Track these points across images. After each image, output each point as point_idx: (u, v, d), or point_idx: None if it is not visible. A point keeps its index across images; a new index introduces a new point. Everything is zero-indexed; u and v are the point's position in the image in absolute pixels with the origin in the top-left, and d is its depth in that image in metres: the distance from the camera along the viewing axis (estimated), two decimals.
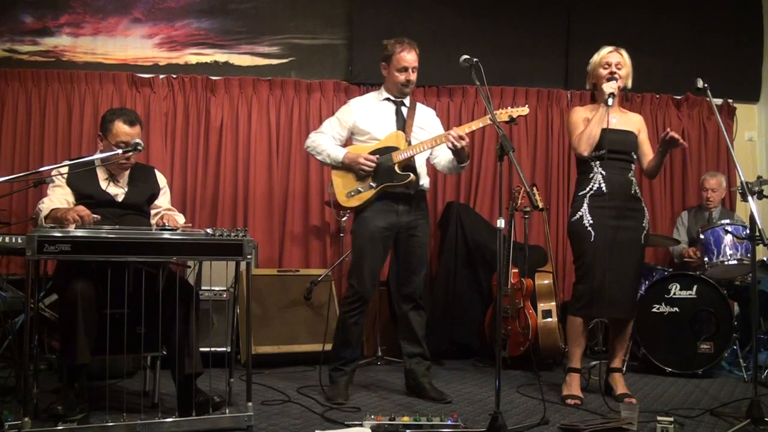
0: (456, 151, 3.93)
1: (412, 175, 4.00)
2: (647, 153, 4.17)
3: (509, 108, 3.92)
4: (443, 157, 4.18)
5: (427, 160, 4.29)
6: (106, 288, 3.12)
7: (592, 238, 3.95)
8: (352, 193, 4.05)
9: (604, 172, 4.00)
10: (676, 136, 3.88)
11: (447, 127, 5.80)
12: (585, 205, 4.01)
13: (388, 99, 4.19)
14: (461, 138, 3.85)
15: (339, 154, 4.09)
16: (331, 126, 4.23)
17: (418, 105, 4.30)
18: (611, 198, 3.96)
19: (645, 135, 4.19)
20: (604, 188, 3.98)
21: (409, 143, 4.06)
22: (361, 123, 4.14)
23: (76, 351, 3.20)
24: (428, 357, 4.26)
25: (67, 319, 3.26)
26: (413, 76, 4.11)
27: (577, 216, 4.03)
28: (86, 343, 3.21)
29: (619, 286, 3.94)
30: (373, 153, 4.04)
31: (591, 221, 3.97)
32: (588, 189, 4.03)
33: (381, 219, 4.03)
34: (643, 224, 4.07)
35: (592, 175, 4.03)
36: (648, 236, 4.12)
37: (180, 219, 3.80)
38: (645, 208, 4.12)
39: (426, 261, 4.24)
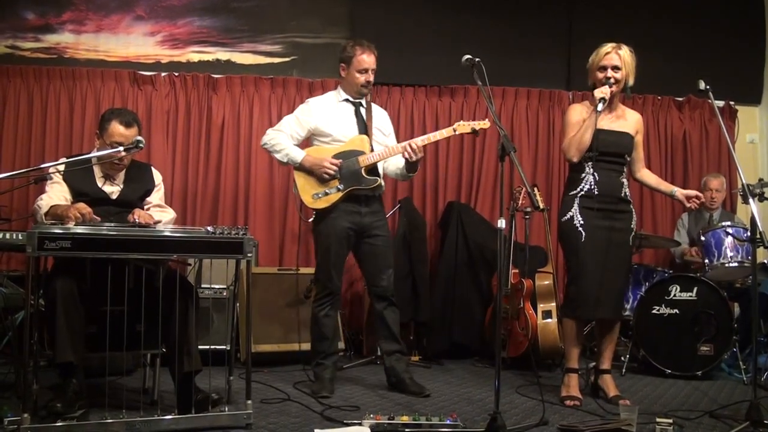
0: (409, 162, 4.08)
1: (379, 179, 4.13)
2: (639, 158, 4.19)
3: (471, 122, 4.05)
4: (392, 163, 4.30)
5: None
6: (105, 285, 3.12)
7: (583, 239, 3.94)
8: (320, 195, 4.12)
9: (595, 174, 3.96)
10: (697, 205, 4.08)
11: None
12: (575, 206, 3.99)
13: (347, 100, 4.27)
14: (416, 151, 4.01)
15: (298, 156, 4.16)
16: (289, 125, 4.26)
17: (374, 106, 4.40)
18: (601, 200, 3.94)
19: (641, 136, 4.17)
20: (594, 191, 3.95)
21: (371, 147, 4.17)
22: (323, 125, 4.21)
23: (56, 350, 3.20)
24: (406, 352, 4.42)
25: (48, 318, 3.26)
26: (372, 78, 4.22)
27: (568, 216, 4.01)
28: (68, 342, 3.19)
29: (608, 287, 3.94)
30: (337, 155, 4.12)
31: (581, 222, 3.96)
32: (578, 190, 4.00)
33: (346, 219, 4.13)
34: (631, 225, 4.06)
35: (583, 175, 3.99)
36: (635, 237, 4.12)
37: (159, 216, 3.70)
38: (633, 210, 4.11)
39: (392, 259, 4.32)
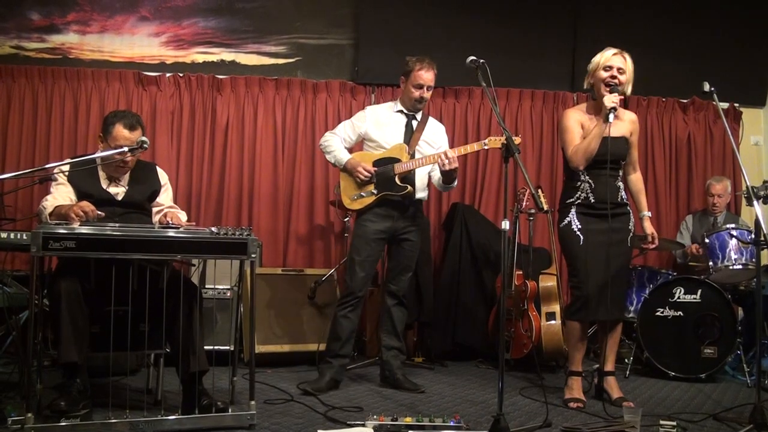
0: (444, 172, 4.17)
1: (409, 187, 4.25)
2: (632, 160, 4.18)
3: (501, 137, 4.02)
4: (436, 172, 4.40)
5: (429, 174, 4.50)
6: (109, 285, 3.12)
7: (581, 242, 3.97)
8: (355, 197, 4.32)
9: (591, 182, 3.98)
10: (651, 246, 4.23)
11: (451, 132, 5.85)
12: (572, 211, 4.02)
13: (401, 111, 4.43)
14: (451, 161, 4.08)
15: (343, 158, 4.37)
16: (344, 128, 4.49)
17: (430, 120, 4.52)
18: (597, 207, 3.96)
19: (636, 137, 4.15)
20: (591, 198, 3.97)
21: (412, 156, 4.30)
22: (372, 132, 4.40)
23: (60, 350, 3.21)
24: (404, 352, 4.54)
25: (53, 318, 3.27)
26: (427, 94, 4.37)
27: (566, 221, 4.04)
28: (72, 342, 3.20)
29: (609, 288, 3.94)
30: (377, 161, 4.30)
31: (579, 226, 3.98)
32: (575, 198, 4.02)
33: (379, 223, 4.29)
34: (629, 227, 4.07)
35: (579, 183, 4.01)
36: (638, 239, 4.12)
37: (183, 217, 3.80)
38: (630, 212, 4.11)
39: (413, 265, 4.50)
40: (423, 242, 5.44)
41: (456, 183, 4.41)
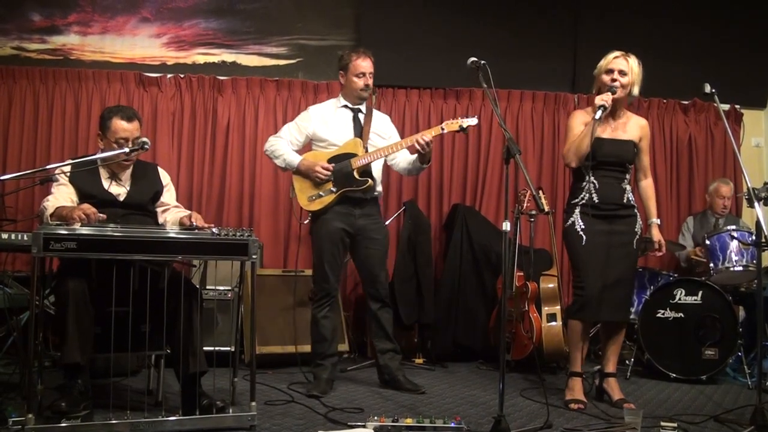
0: (422, 155, 4.17)
1: (370, 180, 4.22)
2: (642, 166, 4.18)
3: (459, 118, 4.11)
4: (401, 159, 4.41)
5: (385, 166, 4.49)
6: (110, 286, 3.12)
7: (584, 242, 3.96)
8: (314, 198, 4.26)
9: (596, 182, 3.98)
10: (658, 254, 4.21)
11: (451, 133, 5.84)
12: (576, 212, 4.02)
13: (345, 106, 4.40)
14: (429, 145, 4.10)
15: (294, 160, 4.31)
16: (289, 131, 4.43)
17: (375, 112, 4.50)
18: (602, 208, 3.97)
19: (646, 143, 4.14)
20: (595, 198, 3.97)
21: (366, 149, 4.26)
22: (320, 131, 4.36)
23: (64, 350, 3.21)
24: (399, 351, 4.48)
25: (58, 319, 3.27)
26: (370, 81, 4.34)
27: (570, 222, 4.05)
28: (77, 343, 3.20)
29: (612, 290, 3.95)
30: (331, 159, 4.25)
31: (582, 226, 3.98)
32: (579, 199, 4.02)
33: (339, 221, 4.25)
34: (635, 229, 4.06)
35: (584, 184, 4.01)
36: (641, 241, 4.11)
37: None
38: (637, 214, 4.10)
39: (386, 261, 4.44)
40: (424, 244, 5.46)
41: (430, 162, 4.36)
